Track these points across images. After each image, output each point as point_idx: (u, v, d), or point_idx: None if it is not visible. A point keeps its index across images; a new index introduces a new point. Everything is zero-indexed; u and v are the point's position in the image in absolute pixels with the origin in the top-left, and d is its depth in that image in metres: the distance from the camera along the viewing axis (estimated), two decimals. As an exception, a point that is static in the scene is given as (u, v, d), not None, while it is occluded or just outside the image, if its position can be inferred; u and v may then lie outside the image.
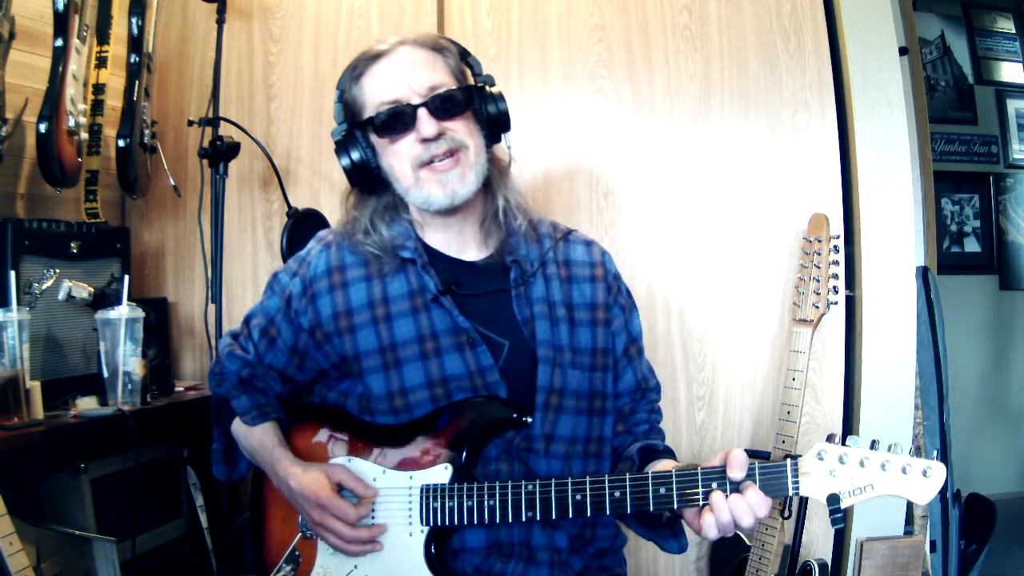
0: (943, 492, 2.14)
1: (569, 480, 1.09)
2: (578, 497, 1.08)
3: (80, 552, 1.65)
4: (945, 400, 2.22)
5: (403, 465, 1.20)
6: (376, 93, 1.22)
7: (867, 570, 1.93)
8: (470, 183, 1.22)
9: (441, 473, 1.17)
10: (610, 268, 1.36)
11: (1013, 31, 4.18)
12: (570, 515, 1.09)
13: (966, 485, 2.51)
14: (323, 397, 1.33)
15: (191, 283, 2.34)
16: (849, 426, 2.00)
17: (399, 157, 1.22)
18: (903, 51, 2.12)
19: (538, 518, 1.10)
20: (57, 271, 1.82)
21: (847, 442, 1.01)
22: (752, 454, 1.97)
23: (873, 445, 1.00)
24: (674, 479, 1.05)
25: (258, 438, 1.27)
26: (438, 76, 1.22)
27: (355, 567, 1.20)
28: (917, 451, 1.01)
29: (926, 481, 0.97)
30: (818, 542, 1.99)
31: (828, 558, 1.96)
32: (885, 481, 0.98)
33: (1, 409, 1.56)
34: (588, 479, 1.09)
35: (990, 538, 2.40)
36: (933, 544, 2.15)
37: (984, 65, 4.06)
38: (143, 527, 1.86)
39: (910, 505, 2.00)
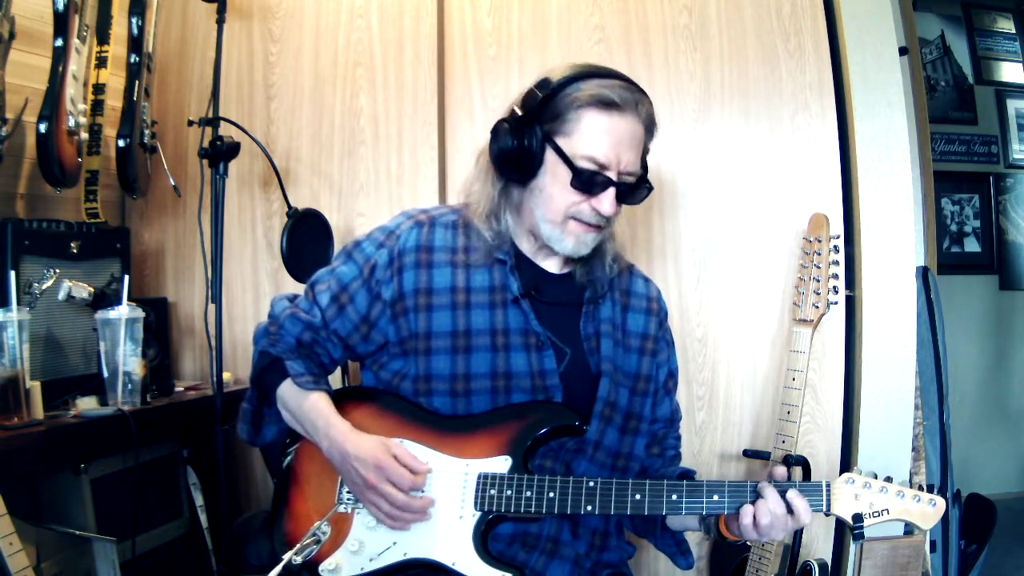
0: (943, 492, 2.14)
1: (630, 481, 1.18)
2: (637, 496, 1.17)
3: (80, 552, 1.65)
4: (945, 400, 2.22)
5: (458, 452, 1.23)
6: (590, 142, 1.22)
7: (867, 570, 1.93)
8: (593, 245, 1.30)
9: (501, 464, 1.21)
10: (663, 306, 1.45)
11: (1013, 31, 4.18)
12: (628, 511, 1.17)
13: (966, 485, 2.51)
14: (376, 375, 1.34)
15: (191, 283, 2.34)
16: (849, 426, 2.00)
17: (564, 200, 1.24)
18: (903, 51, 2.12)
19: (596, 512, 1.17)
20: (57, 271, 1.82)
21: (864, 475, 1.19)
22: (752, 454, 1.99)
23: (888, 479, 1.17)
24: (726, 488, 1.16)
25: (312, 402, 1.27)
26: (638, 161, 1.26)
27: (394, 543, 1.21)
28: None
29: (931, 510, 1.14)
30: (818, 542, 1.99)
31: (828, 558, 1.96)
32: (899, 507, 1.15)
33: (1, 409, 1.56)
34: (648, 481, 1.18)
35: (990, 538, 2.40)
36: (933, 544, 2.15)
37: (984, 65, 4.06)
38: (143, 527, 1.86)
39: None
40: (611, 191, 1.22)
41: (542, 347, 1.27)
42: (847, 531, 1.20)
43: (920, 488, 1.15)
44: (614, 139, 1.21)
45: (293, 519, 1.29)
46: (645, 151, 1.29)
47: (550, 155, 1.23)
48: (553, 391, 1.27)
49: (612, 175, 1.22)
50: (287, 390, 1.30)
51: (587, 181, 1.22)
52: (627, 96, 1.21)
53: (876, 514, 1.14)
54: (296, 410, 1.29)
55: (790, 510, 1.13)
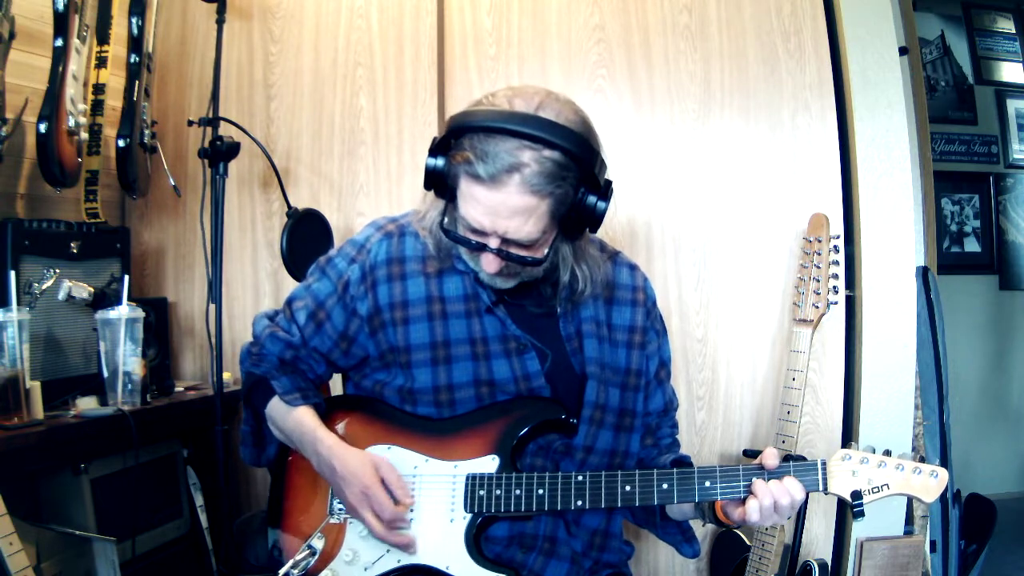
0: (943, 492, 2.14)
1: (619, 472, 1.16)
2: (627, 488, 1.15)
3: (80, 552, 1.65)
4: (945, 400, 2.22)
5: (446, 454, 1.23)
6: (465, 206, 1.14)
7: (867, 570, 1.93)
8: (512, 284, 1.24)
9: (489, 463, 1.21)
10: (650, 294, 1.40)
11: (1013, 31, 4.18)
12: (619, 504, 1.16)
13: (966, 485, 2.51)
14: (358, 384, 1.34)
15: (191, 283, 2.34)
16: (849, 426, 2.00)
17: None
18: (903, 51, 2.12)
19: (587, 506, 1.16)
20: (57, 271, 1.82)
21: (862, 450, 1.14)
22: (752, 455, 1.99)
23: (887, 452, 1.13)
24: (718, 473, 1.14)
25: (296, 418, 1.27)
26: (529, 226, 1.12)
27: (387, 551, 1.21)
28: (916, 456, 1.12)
29: (934, 482, 1.09)
30: (818, 542, 1.99)
31: (828, 558, 1.96)
32: (899, 481, 1.10)
33: (1, 409, 1.55)
34: (637, 472, 1.16)
35: (990, 538, 2.40)
36: (933, 544, 2.15)
37: (984, 65, 4.06)
38: (143, 527, 1.86)
39: (910, 505, 2.00)
40: (489, 255, 1.15)
41: (524, 351, 1.26)
42: (848, 511, 1.17)
43: (921, 460, 1.11)
44: (485, 209, 1.11)
45: (287, 531, 1.30)
46: (553, 210, 1.13)
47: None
48: (540, 392, 1.26)
49: (490, 242, 1.14)
50: (274, 407, 1.31)
51: (461, 241, 1.17)
52: (509, 167, 1.07)
53: (876, 489, 1.10)
54: (283, 427, 1.30)
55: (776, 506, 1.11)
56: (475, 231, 1.15)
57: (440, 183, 1.17)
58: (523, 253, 1.16)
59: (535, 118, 1.10)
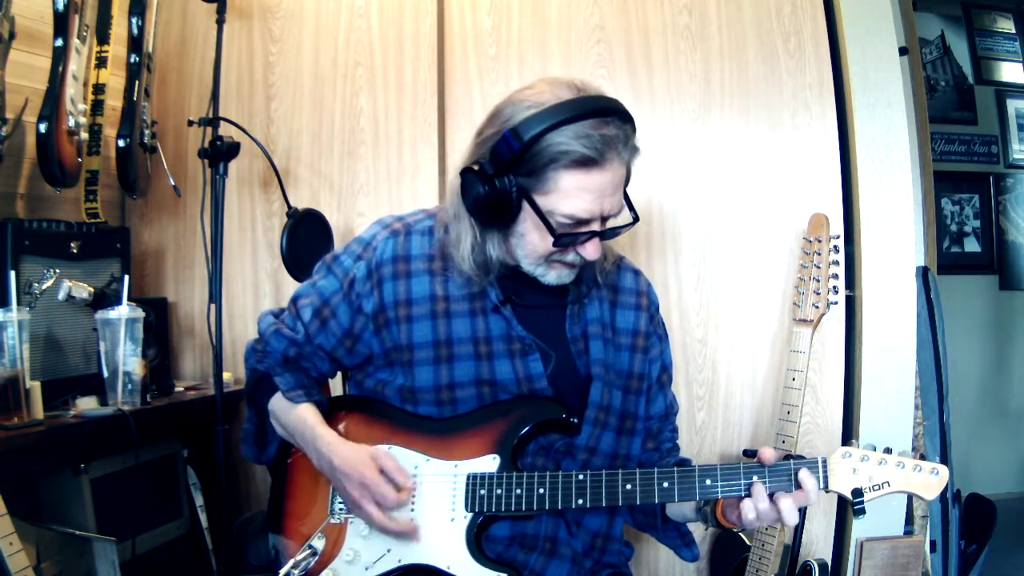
0: (943, 492, 2.14)
1: (619, 471, 1.16)
2: (628, 487, 1.15)
3: (80, 552, 1.65)
4: (945, 400, 2.22)
5: (447, 454, 1.23)
6: (570, 203, 1.14)
7: (867, 570, 1.93)
8: (575, 275, 1.27)
9: (489, 463, 1.21)
10: (653, 299, 1.42)
11: (1013, 31, 4.18)
12: (619, 502, 1.16)
13: (966, 485, 2.51)
14: (359, 384, 1.34)
15: (191, 283, 2.34)
16: (849, 426, 2.00)
17: (546, 248, 1.19)
18: (903, 51, 2.12)
19: (588, 505, 1.16)
20: (57, 271, 1.82)
21: (863, 447, 1.14)
22: (752, 455, 1.99)
23: (888, 450, 1.13)
24: (719, 471, 1.14)
25: (299, 415, 1.28)
26: (618, 196, 1.19)
27: (388, 551, 1.21)
28: (917, 454, 1.12)
29: (934, 479, 1.10)
30: (818, 542, 1.99)
31: (828, 558, 1.96)
32: (900, 478, 1.10)
33: (1, 409, 1.56)
34: (638, 470, 1.16)
35: (990, 538, 2.40)
36: (933, 544, 2.15)
37: (984, 65, 4.06)
38: (143, 527, 1.86)
39: (910, 505, 2.00)
40: (595, 241, 1.18)
41: (528, 352, 1.25)
42: (848, 509, 1.17)
43: (921, 457, 1.11)
44: (595, 194, 1.14)
45: (288, 531, 1.30)
46: (627, 176, 1.22)
47: (528, 208, 1.17)
48: (543, 393, 1.26)
49: (596, 226, 1.17)
50: (277, 403, 1.31)
51: (569, 238, 1.17)
52: (607, 141, 1.12)
53: (876, 487, 1.10)
54: (285, 423, 1.30)
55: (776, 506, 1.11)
56: (575, 224, 1.16)
57: (504, 204, 1.16)
58: (617, 224, 1.21)
59: (600, 97, 1.16)
